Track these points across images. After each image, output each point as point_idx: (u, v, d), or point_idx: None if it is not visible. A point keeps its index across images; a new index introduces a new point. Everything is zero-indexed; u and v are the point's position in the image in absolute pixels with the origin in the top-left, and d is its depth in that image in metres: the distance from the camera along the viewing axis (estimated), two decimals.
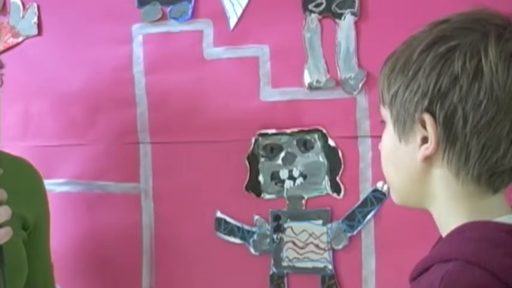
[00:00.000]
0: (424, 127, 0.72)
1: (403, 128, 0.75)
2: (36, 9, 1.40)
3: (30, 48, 1.41)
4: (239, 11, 1.28)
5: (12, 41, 1.41)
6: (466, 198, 0.74)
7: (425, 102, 0.72)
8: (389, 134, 0.78)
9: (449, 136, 0.71)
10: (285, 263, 1.29)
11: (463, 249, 0.70)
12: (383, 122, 0.80)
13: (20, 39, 1.41)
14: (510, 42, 0.71)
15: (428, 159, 0.74)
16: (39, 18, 1.40)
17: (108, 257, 1.39)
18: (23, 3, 1.40)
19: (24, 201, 1.01)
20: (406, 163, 0.76)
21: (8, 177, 1.06)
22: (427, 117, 0.72)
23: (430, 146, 0.72)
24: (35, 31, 1.41)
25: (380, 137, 0.81)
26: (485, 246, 0.69)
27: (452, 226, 0.74)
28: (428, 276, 0.71)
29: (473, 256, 0.68)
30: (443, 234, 0.76)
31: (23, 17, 1.41)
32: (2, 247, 0.96)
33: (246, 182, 1.29)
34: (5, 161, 1.08)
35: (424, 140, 0.73)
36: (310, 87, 1.24)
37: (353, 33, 1.22)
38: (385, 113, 0.78)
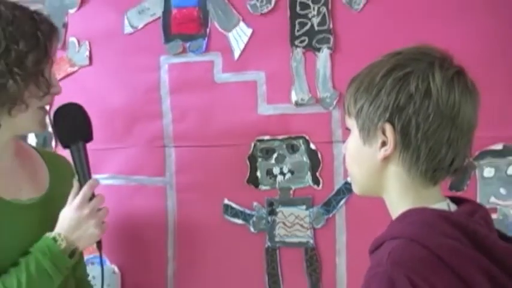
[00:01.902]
0: (384, 134, 0.72)
1: (367, 134, 0.74)
2: (88, 46, 1.39)
3: (84, 75, 1.40)
4: (242, 46, 1.27)
5: (70, 70, 1.40)
6: (413, 188, 0.74)
7: (387, 115, 0.71)
8: (354, 139, 0.77)
9: (404, 141, 0.71)
10: (277, 239, 1.27)
11: (407, 230, 0.70)
12: (348, 129, 0.79)
13: (76, 68, 1.40)
14: (449, 71, 0.71)
15: (386, 159, 0.73)
16: (90, 52, 1.39)
17: (141, 234, 1.38)
18: (78, 41, 1.39)
19: (66, 188, 1.02)
20: (368, 161, 0.76)
21: (56, 170, 1.05)
22: (388, 126, 0.72)
23: (388, 148, 0.72)
24: (87, 62, 1.39)
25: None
26: (424, 228, 0.69)
27: (400, 211, 0.74)
28: (381, 251, 0.71)
29: (414, 235, 0.68)
30: (394, 217, 0.76)
31: (78, 51, 1.40)
32: (100, 241, 1.03)
33: (247, 177, 1.28)
34: (49, 157, 1.09)
35: (383, 143, 0.73)
36: (296, 103, 1.24)
37: (329, 63, 1.22)
38: (351, 122, 0.78)
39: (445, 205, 0.74)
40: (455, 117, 0.70)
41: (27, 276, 0.90)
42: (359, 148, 0.75)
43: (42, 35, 0.92)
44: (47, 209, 1.00)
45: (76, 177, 1.01)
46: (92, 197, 0.99)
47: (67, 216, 0.97)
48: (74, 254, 0.98)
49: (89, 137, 1.03)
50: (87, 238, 0.98)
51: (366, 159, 0.75)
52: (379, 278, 0.65)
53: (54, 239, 0.94)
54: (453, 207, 0.75)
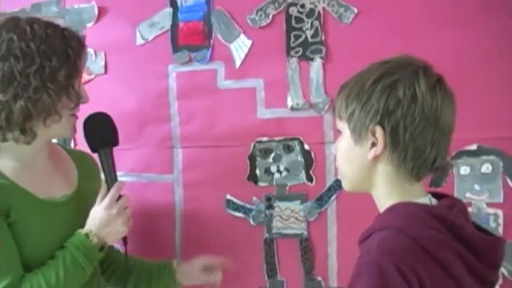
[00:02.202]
0: (374, 135, 0.72)
1: (359, 136, 0.74)
2: (103, 56, 1.38)
3: (99, 82, 1.39)
4: (242, 56, 1.26)
5: (87, 78, 1.38)
6: (399, 184, 0.74)
7: (378, 118, 0.71)
8: (345, 140, 0.77)
9: (393, 141, 0.71)
10: (274, 231, 1.27)
11: (394, 222, 0.70)
12: (340, 131, 0.79)
13: (92, 76, 1.39)
14: (432, 78, 0.72)
15: (376, 158, 0.73)
16: (105, 61, 1.38)
17: (151, 226, 1.37)
18: (94, 52, 1.38)
19: (93, 183, 1.02)
20: (359, 161, 0.75)
21: (83, 167, 1.05)
22: (378, 129, 0.71)
23: (378, 148, 0.72)
24: (103, 71, 1.39)
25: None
26: (409, 220, 0.69)
27: (387, 205, 0.74)
28: (370, 241, 0.71)
29: (401, 227, 0.69)
30: (381, 211, 0.76)
31: (94, 61, 1.39)
32: (126, 237, 1.03)
33: (247, 174, 1.28)
34: (76, 155, 1.08)
35: (373, 144, 0.73)
36: (292, 108, 1.23)
37: (321, 71, 1.21)
38: (342, 125, 0.78)
39: (427, 199, 0.75)
40: (438, 120, 0.70)
41: (64, 269, 0.91)
42: (350, 149, 0.75)
43: (72, 51, 0.92)
44: (78, 205, 1.00)
45: (103, 178, 1.02)
46: (119, 197, 1.00)
47: (97, 214, 0.97)
48: (103, 249, 0.99)
49: (115, 143, 1.04)
50: (115, 234, 0.99)
51: (357, 158, 0.75)
52: (369, 265, 0.65)
53: (87, 235, 0.95)
54: (434, 201, 0.76)
